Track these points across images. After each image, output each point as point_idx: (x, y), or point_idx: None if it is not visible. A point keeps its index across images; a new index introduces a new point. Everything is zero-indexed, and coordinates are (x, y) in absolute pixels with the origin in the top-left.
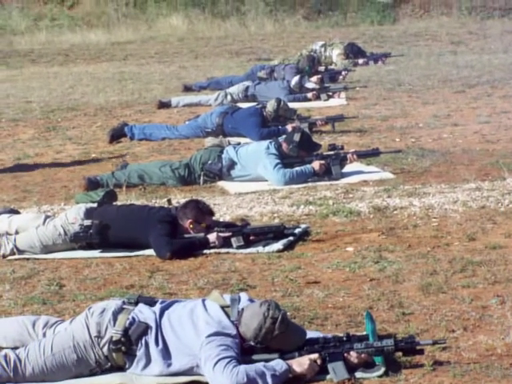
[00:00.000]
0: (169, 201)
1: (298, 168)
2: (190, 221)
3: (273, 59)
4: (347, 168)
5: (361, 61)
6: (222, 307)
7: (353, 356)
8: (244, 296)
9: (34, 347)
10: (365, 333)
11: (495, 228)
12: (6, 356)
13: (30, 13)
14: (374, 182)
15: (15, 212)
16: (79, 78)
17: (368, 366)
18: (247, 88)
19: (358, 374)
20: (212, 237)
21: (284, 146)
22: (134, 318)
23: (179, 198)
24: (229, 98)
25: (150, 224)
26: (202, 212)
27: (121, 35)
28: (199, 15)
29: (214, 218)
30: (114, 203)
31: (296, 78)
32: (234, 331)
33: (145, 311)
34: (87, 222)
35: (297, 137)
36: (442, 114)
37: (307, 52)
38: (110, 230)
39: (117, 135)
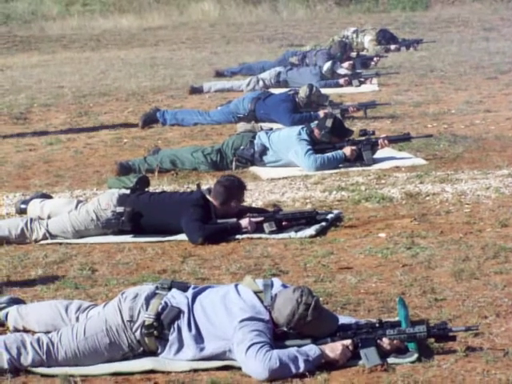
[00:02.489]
0: (198, 185)
1: (329, 154)
2: (234, 201)
3: (304, 45)
4: (379, 154)
5: (393, 47)
6: (255, 292)
7: (385, 342)
8: (277, 281)
9: (66, 331)
10: (397, 318)
11: None
12: (38, 340)
13: None
14: (406, 167)
15: (47, 197)
16: (111, 64)
17: (401, 351)
18: (279, 74)
19: (391, 360)
20: (244, 222)
21: (316, 131)
22: (166, 303)
23: (211, 183)
24: (261, 83)
25: (182, 208)
26: (243, 190)
27: (152, 20)
28: (231, 1)
29: (246, 204)
30: (147, 189)
31: (328, 64)
32: (267, 316)
33: (177, 296)
34: (119, 209)
35: (329, 122)
36: (475, 100)
37: (339, 38)
38: (141, 217)
39: (149, 120)
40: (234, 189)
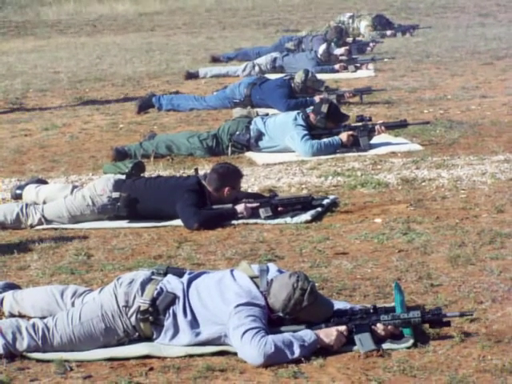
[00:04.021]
0: (196, 170)
1: (325, 139)
2: (228, 188)
3: (300, 30)
4: (375, 139)
5: (389, 32)
6: (251, 278)
7: (379, 328)
8: (272, 266)
9: (62, 316)
10: (393, 304)
11: None
12: (34, 325)
13: None
14: (402, 153)
15: (43, 182)
16: (107, 49)
17: (396, 337)
18: (275, 59)
19: (386, 346)
20: (240, 207)
21: (312, 116)
22: (161, 289)
23: (207, 168)
24: (257, 68)
25: (177, 193)
26: (237, 178)
27: (148, 6)
28: None
29: (242, 189)
30: (142, 175)
31: (323, 46)
32: (262, 302)
33: (173, 282)
34: (115, 195)
35: (324, 108)
36: (471, 86)
37: (335, 23)
38: (137, 203)
39: (144, 106)
40: (227, 176)
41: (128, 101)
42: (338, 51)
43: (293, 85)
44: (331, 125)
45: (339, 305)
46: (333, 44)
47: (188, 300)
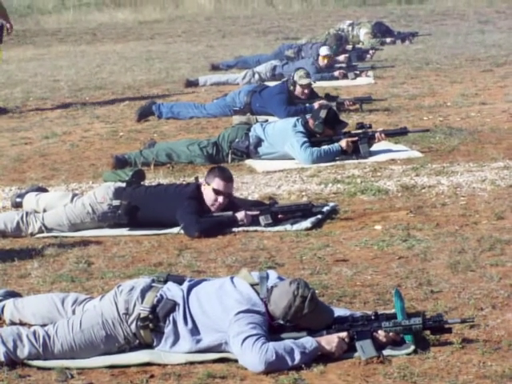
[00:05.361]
0: (196, 178)
1: (325, 146)
2: (203, 182)
3: (300, 38)
4: (375, 147)
5: (388, 40)
6: (251, 285)
7: (381, 335)
8: (272, 273)
9: (62, 324)
10: (393, 310)
11: None
12: (35, 332)
13: None
14: (402, 160)
15: (43, 190)
16: (107, 57)
17: (397, 343)
18: (275, 67)
19: (387, 352)
20: (240, 215)
21: (310, 122)
22: (161, 296)
23: None
24: (256, 76)
25: (177, 201)
26: (216, 176)
27: (148, 14)
28: None
29: (241, 197)
30: (143, 183)
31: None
32: (263, 309)
33: (173, 289)
34: (116, 203)
35: (323, 113)
36: (470, 93)
37: (335, 31)
38: (138, 211)
39: (144, 114)
40: (209, 172)
41: (128, 109)
42: (323, 51)
43: (291, 87)
44: (329, 131)
45: (339, 312)
46: (327, 46)
47: (188, 307)
